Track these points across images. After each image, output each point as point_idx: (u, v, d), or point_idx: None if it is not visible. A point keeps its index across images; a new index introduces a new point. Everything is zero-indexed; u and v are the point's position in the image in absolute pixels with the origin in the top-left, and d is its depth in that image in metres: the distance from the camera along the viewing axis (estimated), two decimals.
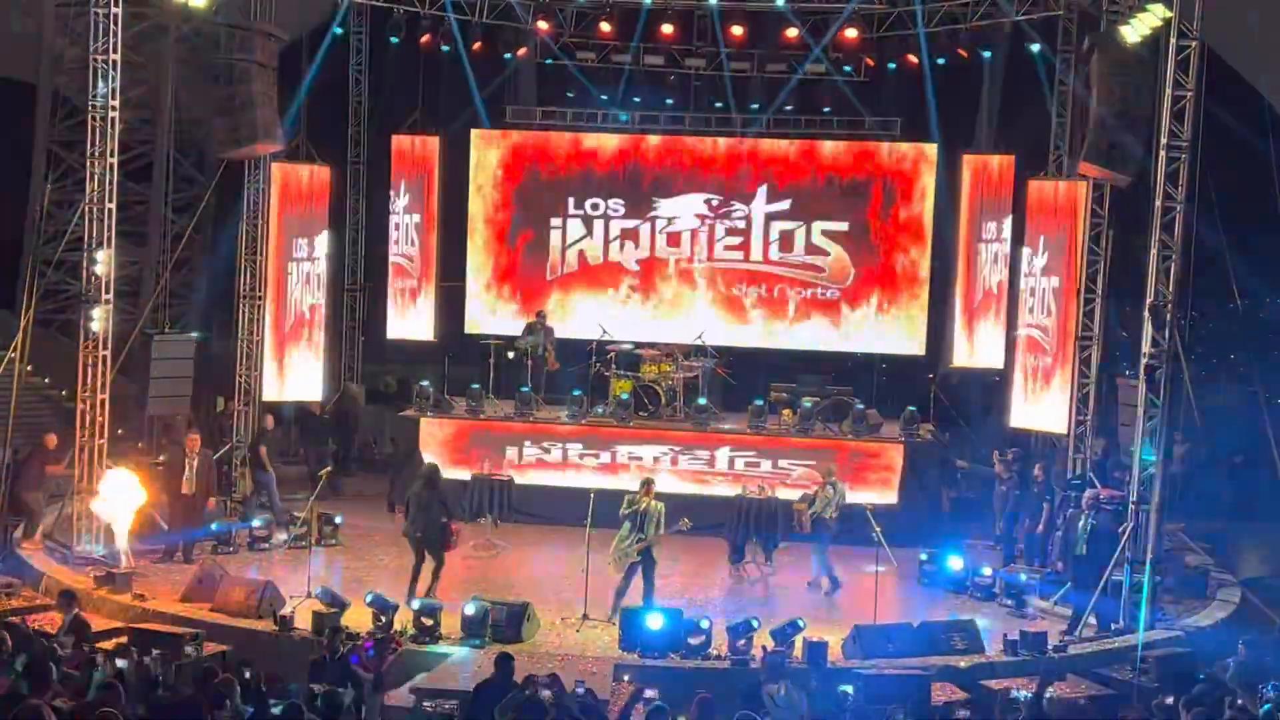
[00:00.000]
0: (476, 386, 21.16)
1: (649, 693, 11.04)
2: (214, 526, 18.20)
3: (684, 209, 22.95)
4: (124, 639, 13.29)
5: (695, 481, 20.13)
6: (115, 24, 17.18)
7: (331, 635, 12.96)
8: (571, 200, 23.19)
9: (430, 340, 23.87)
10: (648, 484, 15.99)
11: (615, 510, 18.07)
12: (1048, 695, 12.44)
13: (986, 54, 21.30)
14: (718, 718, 10.54)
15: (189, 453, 17.61)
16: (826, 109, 22.98)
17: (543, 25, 22.23)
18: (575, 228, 23.25)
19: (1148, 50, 16.76)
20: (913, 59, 21.66)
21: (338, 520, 18.82)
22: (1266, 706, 11.35)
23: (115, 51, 17.21)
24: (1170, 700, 11.69)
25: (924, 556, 17.97)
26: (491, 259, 23.45)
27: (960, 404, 23.30)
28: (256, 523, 18.59)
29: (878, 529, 16.57)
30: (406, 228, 23.55)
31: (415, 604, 14.98)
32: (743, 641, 14.22)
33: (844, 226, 22.69)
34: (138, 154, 26.00)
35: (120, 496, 16.89)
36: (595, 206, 23.16)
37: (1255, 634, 15.05)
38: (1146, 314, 15.75)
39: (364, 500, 21.07)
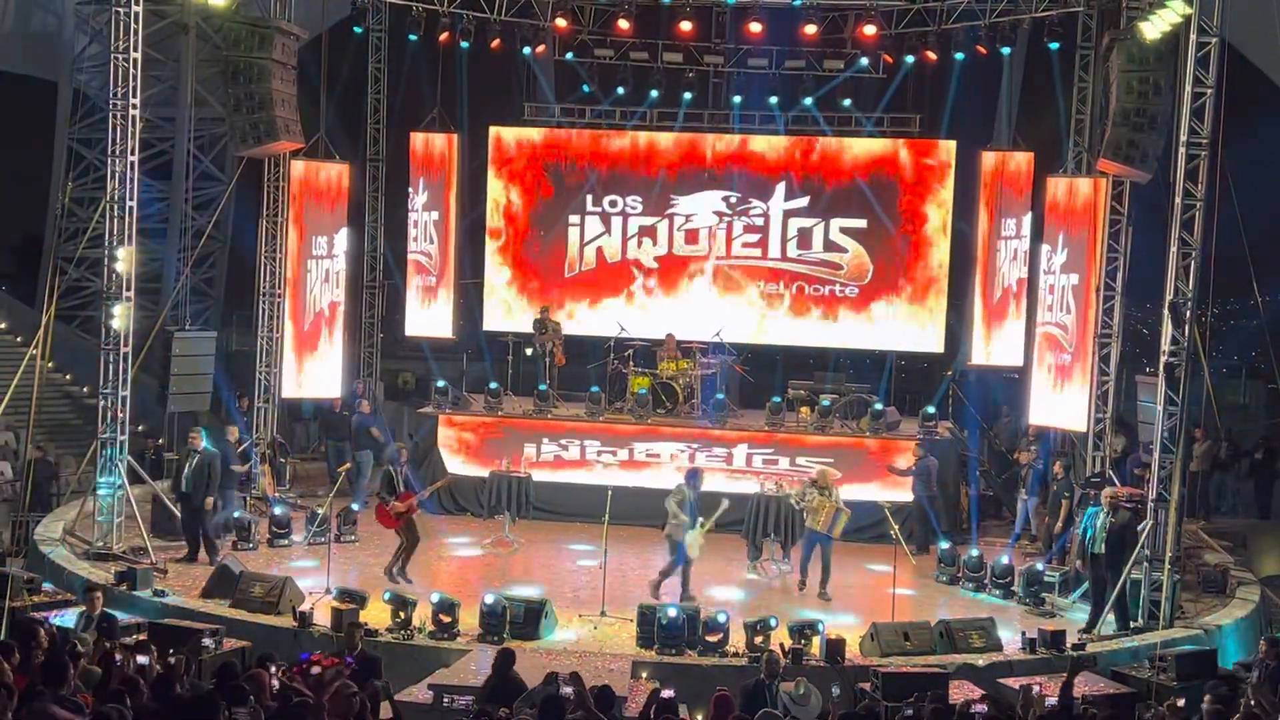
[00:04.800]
0: (495, 386, 21.22)
1: (666, 692, 11.06)
2: (235, 514, 18.38)
3: (702, 206, 22.96)
4: (144, 635, 13.36)
5: (712, 478, 20.10)
6: (136, 22, 17.25)
7: (350, 630, 13.02)
8: (589, 197, 23.21)
9: (449, 337, 23.93)
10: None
11: (633, 507, 18.16)
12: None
13: (1006, 50, 21.20)
14: (734, 714, 10.58)
15: (190, 452, 17.57)
16: (846, 102, 22.96)
17: (561, 22, 22.23)
18: (593, 225, 23.27)
19: (1167, 47, 16.70)
20: (931, 55, 21.61)
21: (355, 510, 18.88)
22: None
23: (136, 50, 17.28)
24: (1184, 701, 11.67)
25: (942, 552, 17.97)
26: (510, 256, 23.50)
27: (978, 401, 23.24)
28: (278, 510, 18.70)
29: (895, 527, 16.57)
30: (425, 225, 23.60)
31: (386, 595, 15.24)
32: (760, 639, 14.22)
33: (862, 223, 22.67)
34: (158, 151, 26.16)
35: None
36: (613, 204, 23.17)
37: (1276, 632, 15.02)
38: (1166, 312, 15.70)
39: None
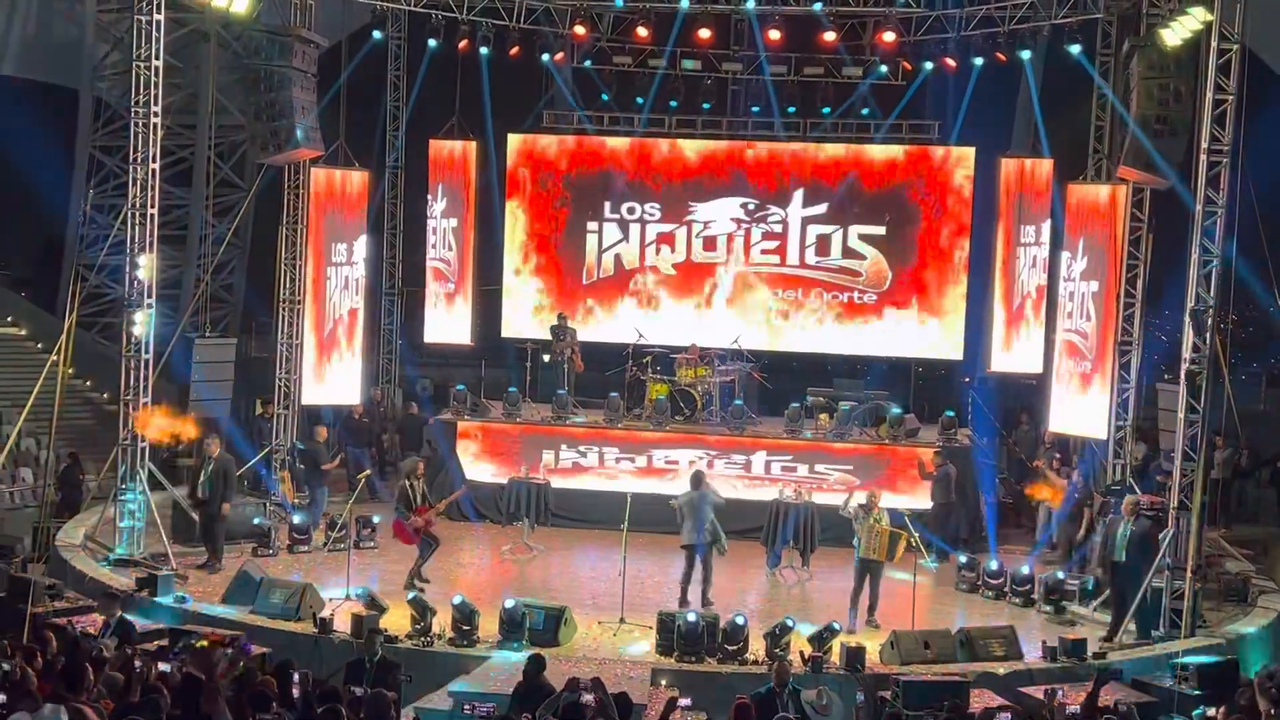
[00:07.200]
0: (514, 390, 21.25)
1: (683, 701, 11.07)
2: (256, 519, 18.43)
3: (720, 213, 22.96)
4: (164, 641, 13.39)
5: (731, 486, 20.09)
6: (158, 30, 17.33)
7: (370, 637, 13.04)
8: (608, 204, 23.24)
9: (467, 344, 23.97)
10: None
11: (651, 514, 18.12)
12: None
13: (1025, 55, 21.14)
14: None
15: (207, 458, 17.62)
16: (864, 111, 22.94)
17: (580, 30, 22.27)
18: (611, 232, 23.29)
19: (1188, 53, 16.64)
20: (950, 62, 21.57)
21: (375, 522, 18.91)
22: None
23: (158, 58, 17.36)
24: (1211, 711, 11.60)
25: (962, 562, 17.92)
26: (528, 263, 23.53)
27: (997, 408, 23.16)
28: (297, 518, 18.75)
29: (915, 535, 16.51)
30: (444, 232, 23.65)
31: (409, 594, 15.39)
32: (779, 647, 14.20)
33: (881, 230, 22.65)
34: (178, 159, 26.27)
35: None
36: (631, 210, 23.19)
37: None
38: (1187, 319, 15.63)
39: None
